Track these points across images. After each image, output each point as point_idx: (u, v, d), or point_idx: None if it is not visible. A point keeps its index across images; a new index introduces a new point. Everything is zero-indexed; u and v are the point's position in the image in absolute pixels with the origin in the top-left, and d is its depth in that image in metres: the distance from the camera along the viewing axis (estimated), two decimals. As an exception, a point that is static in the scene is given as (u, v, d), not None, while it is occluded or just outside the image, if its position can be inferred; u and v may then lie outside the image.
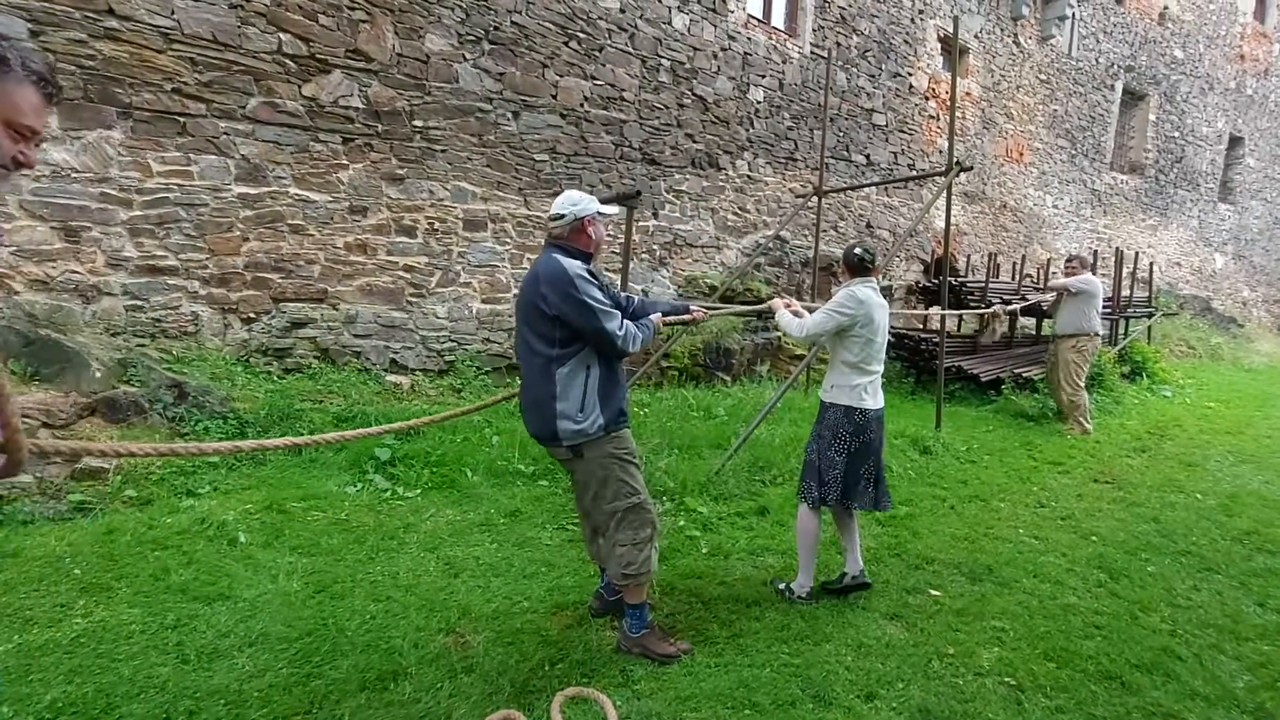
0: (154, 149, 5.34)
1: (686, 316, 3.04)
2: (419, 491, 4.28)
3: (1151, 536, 4.09)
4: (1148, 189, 16.47)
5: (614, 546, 2.55)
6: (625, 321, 2.49)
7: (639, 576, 2.55)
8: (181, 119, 5.42)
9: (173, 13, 5.28)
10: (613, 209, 2.64)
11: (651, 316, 2.78)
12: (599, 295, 2.40)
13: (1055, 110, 14.14)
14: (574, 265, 2.40)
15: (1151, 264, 13.20)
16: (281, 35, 5.77)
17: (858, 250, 3.20)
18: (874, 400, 3.11)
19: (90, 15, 4.98)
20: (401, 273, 6.67)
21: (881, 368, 3.18)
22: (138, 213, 5.31)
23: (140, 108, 5.24)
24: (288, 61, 5.83)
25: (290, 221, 5.99)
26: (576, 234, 2.52)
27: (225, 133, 5.62)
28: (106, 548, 3.22)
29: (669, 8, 8.34)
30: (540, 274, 2.41)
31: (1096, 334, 6.75)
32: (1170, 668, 2.65)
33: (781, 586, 3.21)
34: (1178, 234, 17.44)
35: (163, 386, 4.67)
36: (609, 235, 7.98)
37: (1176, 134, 16.74)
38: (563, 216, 2.49)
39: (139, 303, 5.34)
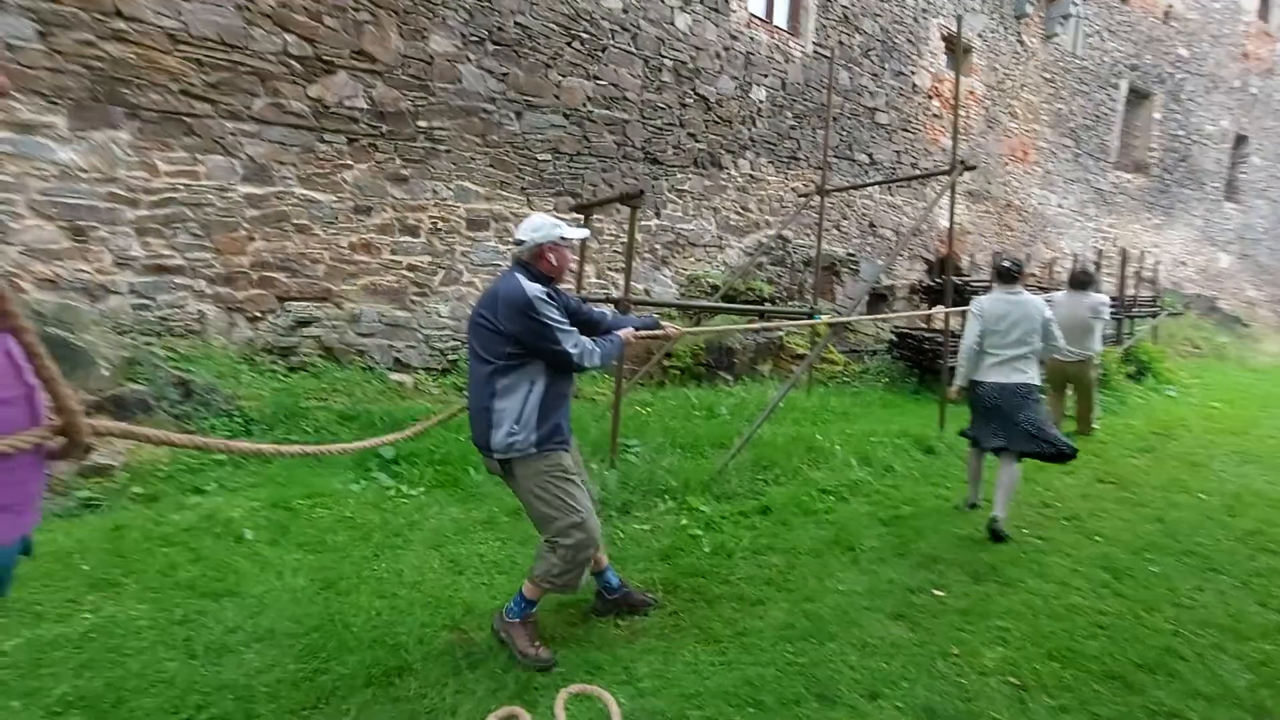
0: (161, 149, 5.37)
1: (659, 332, 3.03)
2: (423, 489, 4.30)
3: (1156, 536, 4.09)
4: (1153, 188, 16.44)
5: (548, 553, 2.52)
6: (581, 339, 2.50)
7: (556, 590, 2.54)
8: (188, 119, 5.45)
9: (179, 14, 5.31)
10: (578, 233, 2.63)
11: (620, 331, 2.78)
12: (557, 315, 2.42)
13: (1060, 109, 14.12)
14: (534, 288, 2.40)
15: (1157, 263, 13.18)
16: (287, 36, 5.80)
17: (1004, 262, 4.23)
18: (992, 375, 4.09)
19: (98, 16, 5.02)
20: (405, 272, 6.69)
21: (1007, 353, 4.05)
22: (144, 212, 5.34)
23: (147, 108, 5.27)
24: (293, 62, 5.86)
25: (295, 221, 6.02)
26: (537, 259, 2.53)
27: (231, 133, 5.65)
28: (115, 544, 3.25)
29: (672, 8, 8.36)
30: (500, 294, 2.42)
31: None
32: (1173, 667, 2.65)
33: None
34: (1183, 233, 17.40)
35: (169, 384, 4.70)
36: (611, 235, 8.02)
37: (1181, 133, 16.70)
38: (524, 242, 2.51)
39: (146, 301, 5.37)
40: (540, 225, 2.53)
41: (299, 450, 1.92)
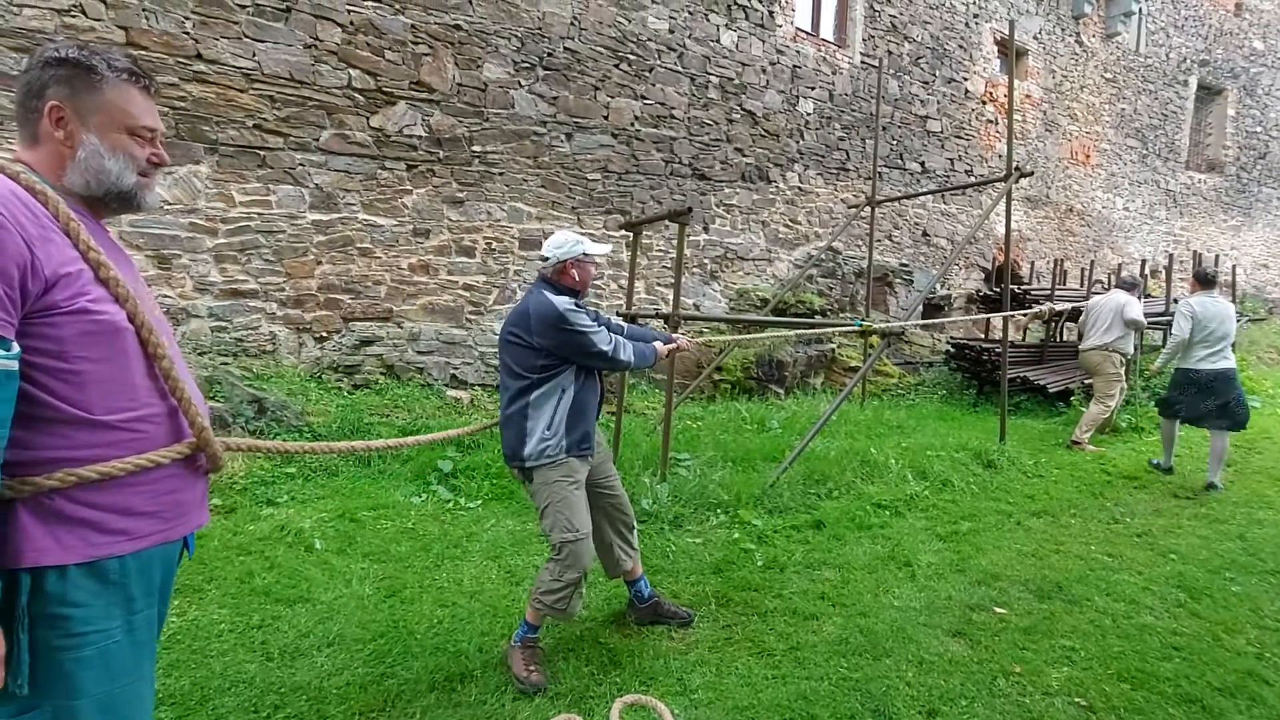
0: (237, 181, 5.73)
1: (672, 346, 3.07)
2: (480, 502, 4.43)
3: (1237, 555, 3.87)
4: (1229, 188, 15.61)
5: (544, 569, 2.60)
6: (615, 337, 2.63)
7: (552, 612, 2.58)
8: (261, 152, 5.81)
9: (254, 54, 5.68)
10: (600, 248, 2.72)
11: (655, 344, 2.89)
12: (586, 321, 2.54)
13: (1123, 109, 13.60)
14: (562, 300, 2.53)
15: (1234, 266, 12.48)
16: (351, 71, 6.13)
17: (1207, 270, 5.48)
18: (1207, 363, 5.16)
19: (181, 60, 5.41)
20: (461, 291, 6.92)
21: (1218, 346, 5.15)
22: (222, 240, 5.70)
23: (225, 143, 5.64)
24: (357, 95, 6.18)
25: (359, 245, 6.32)
26: (561, 274, 2.64)
27: (301, 164, 5.98)
28: (196, 553, 3.45)
29: (717, 26, 8.45)
30: (531, 311, 2.54)
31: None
32: (1256, 692, 2.52)
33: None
34: (1264, 234, 16.43)
35: (245, 402, 4.98)
36: (660, 251, 8.11)
37: (1259, 129, 15.83)
38: (548, 258, 2.64)
39: (223, 324, 5.72)
40: (564, 242, 2.63)
41: (382, 444, 2.26)
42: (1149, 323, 6.75)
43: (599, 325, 2.61)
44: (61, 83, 1.21)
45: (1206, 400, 5.13)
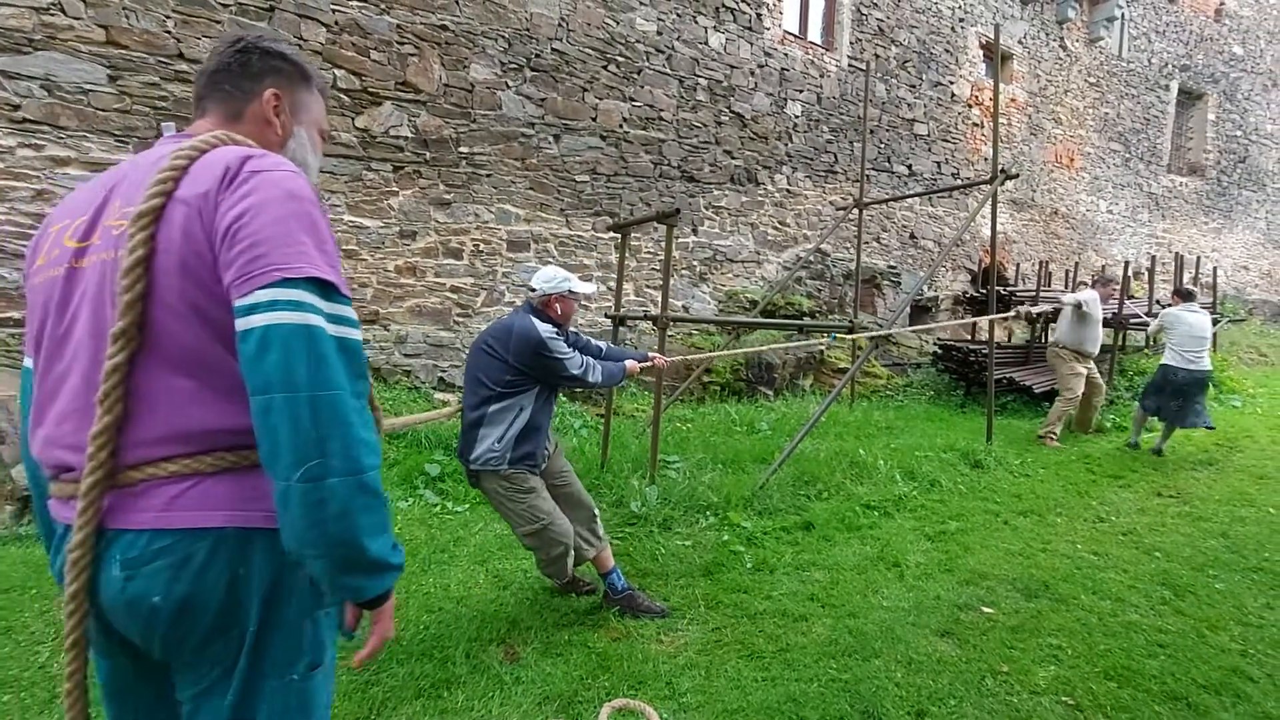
0: (220, 182, 5.65)
1: (647, 364, 3.40)
2: (467, 506, 4.39)
3: (1220, 552, 3.92)
4: (1209, 190, 15.83)
5: (535, 554, 2.92)
6: (586, 359, 2.89)
7: (548, 576, 3.02)
8: (245, 153, 5.73)
9: (237, 54, 5.61)
10: (585, 287, 2.95)
11: (625, 362, 3.15)
12: (563, 348, 2.79)
13: (1106, 113, 13.76)
14: (545, 328, 2.77)
15: (1215, 268, 12.64)
16: (336, 71, 6.08)
17: (1188, 286, 6.56)
18: (1186, 364, 5.84)
19: (162, 60, 5.34)
20: (449, 294, 6.88)
21: (1197, 349, 5.84)
22: (205, 242, 5.62)
23: (208, 144, 5.56)
24: (342, 96, 6.12)
25: (345, 247, 6.26)
26: (546, 306, 2.90)
27: (285, 165, 5.91)
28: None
29: (705, 28, 8.47)
30: (515, 331, 2.77)
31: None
32: (1240, 689, 2.54)
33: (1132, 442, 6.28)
34: (1243, 236, 16.68)
35: (228, 406, 4.91)
36: (649, 253, 8.11)
37: (1239, 133, 16.07)
38: (535, 290, 2.89)
39: (206, 327, 5.64)
40: (551, 278, 2.87)
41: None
42: (1130, 322, 6.93)
43: (573, 350, 2.86)
44: (280, 74, 1.27)
45: (1176, 399, 5.92)
